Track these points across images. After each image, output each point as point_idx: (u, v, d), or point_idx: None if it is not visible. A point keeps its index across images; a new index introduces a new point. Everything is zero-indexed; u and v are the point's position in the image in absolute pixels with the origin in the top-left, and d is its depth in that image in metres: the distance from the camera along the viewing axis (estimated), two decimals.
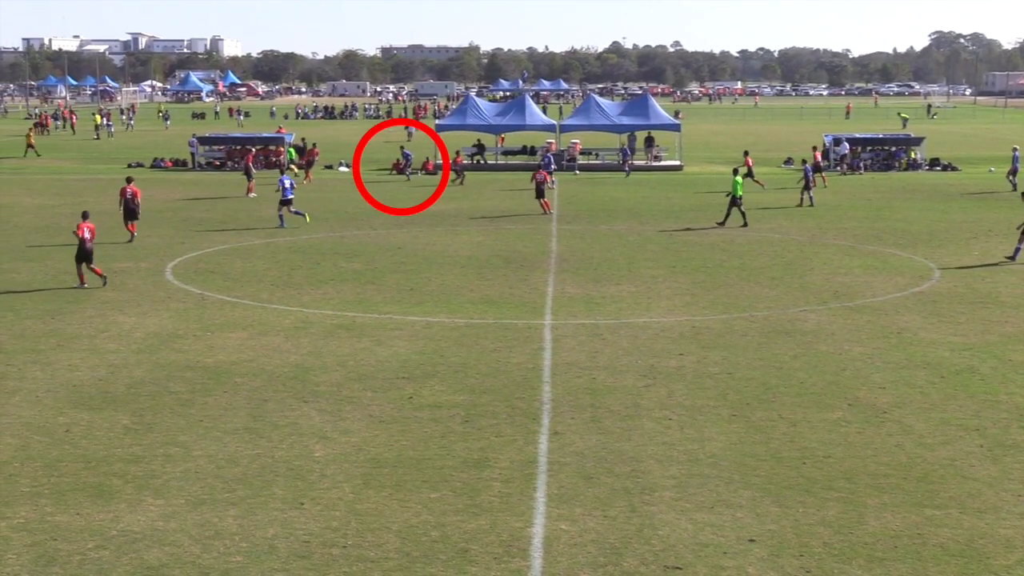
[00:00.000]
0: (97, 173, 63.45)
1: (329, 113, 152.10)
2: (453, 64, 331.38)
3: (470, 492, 15.53)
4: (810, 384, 21.07)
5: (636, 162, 71.58)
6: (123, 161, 71.27)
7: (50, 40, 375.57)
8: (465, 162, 67.18)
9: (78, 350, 23.51)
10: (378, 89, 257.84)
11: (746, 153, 59.46)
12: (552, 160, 58.98)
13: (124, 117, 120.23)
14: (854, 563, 13.35)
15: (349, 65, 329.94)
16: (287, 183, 42.42)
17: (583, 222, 44.48)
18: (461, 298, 29.30)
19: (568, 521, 14.51)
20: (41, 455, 17.02)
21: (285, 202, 42.29)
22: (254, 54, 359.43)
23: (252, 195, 52.72)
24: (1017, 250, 34.84)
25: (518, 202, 51.03)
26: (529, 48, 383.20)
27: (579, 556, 13.51)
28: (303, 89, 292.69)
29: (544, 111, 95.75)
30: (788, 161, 71.41)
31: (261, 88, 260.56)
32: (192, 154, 70.49)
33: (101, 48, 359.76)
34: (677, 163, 70.90)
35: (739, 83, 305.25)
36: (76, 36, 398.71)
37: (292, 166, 63.10)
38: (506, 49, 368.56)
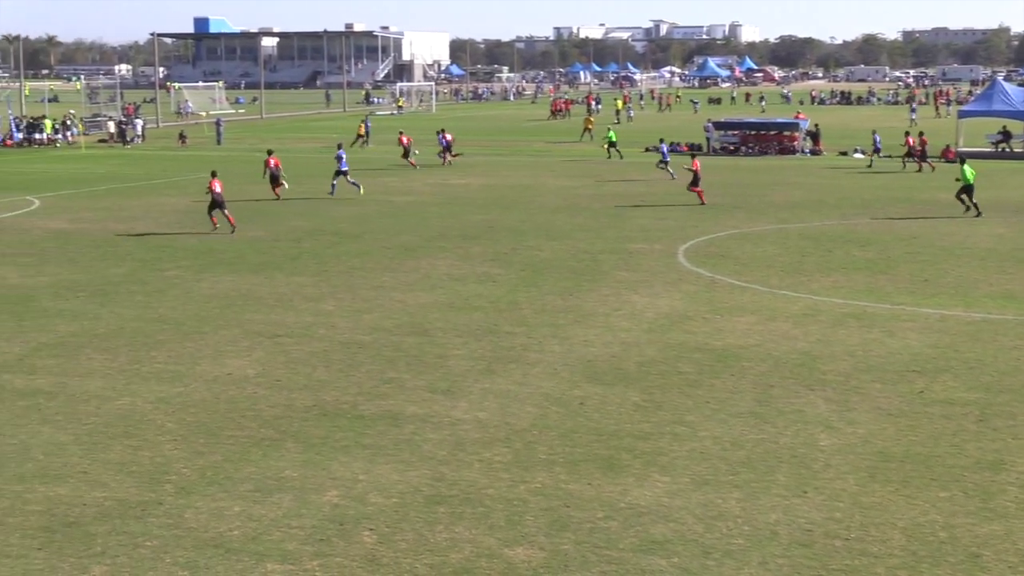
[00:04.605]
0: (614, 157, 65.59)
1: (845, 98, 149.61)
2: (980, 47, 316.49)
3: (983, 495, 14.87)
4: None
5: None
6: (640, 144, 73.12)
7: (578, 28, 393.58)
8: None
9: (593, 327, 24.48)
10: (898, 74, 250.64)
11: None
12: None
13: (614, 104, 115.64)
14: None
15: (868, 49, 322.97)
16: (343, 155, 48.14)
17: None
18: (979, 292, 28.03)
19: None
20: (557, 425, 17.90)
21: (340, 172, 47.72)
22: (771, 39, 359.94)
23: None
24: None
25: None
26: None
27: None
28: (819, 74, 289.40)
29: None
30: None
31: (777, 73, 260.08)
32: (707, 139, 71.48)
33: (624, 35, 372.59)
34: None
35: None
36: (602, 24, 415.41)
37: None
38: None
